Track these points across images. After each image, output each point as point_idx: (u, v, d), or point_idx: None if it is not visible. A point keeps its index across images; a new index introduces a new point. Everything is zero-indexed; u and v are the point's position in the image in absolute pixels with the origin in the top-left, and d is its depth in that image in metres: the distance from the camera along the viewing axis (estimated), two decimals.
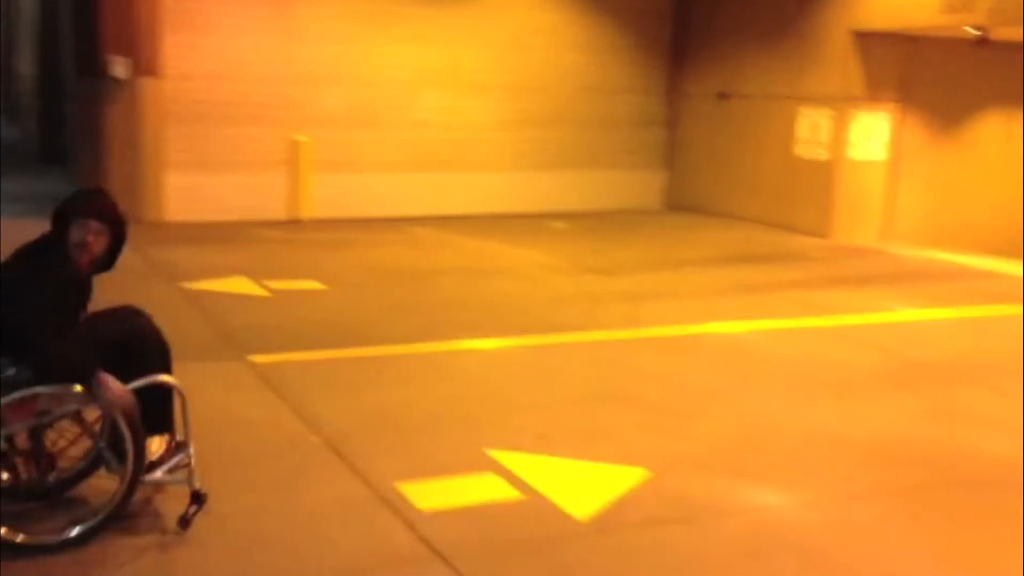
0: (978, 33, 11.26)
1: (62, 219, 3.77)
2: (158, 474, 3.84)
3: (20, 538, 3.57)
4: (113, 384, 3.58)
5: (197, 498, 3.81)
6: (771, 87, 13.62)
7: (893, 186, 13.14)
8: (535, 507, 4.18)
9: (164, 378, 3.85)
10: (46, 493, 3.88)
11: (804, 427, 5.41)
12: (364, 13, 12.75)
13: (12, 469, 3.77)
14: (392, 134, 13.12)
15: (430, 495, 4.23)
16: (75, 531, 3.64)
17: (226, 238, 10.74)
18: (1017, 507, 4.40)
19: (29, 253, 3.74)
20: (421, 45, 13.12)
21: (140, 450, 3.66)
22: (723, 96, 14.25)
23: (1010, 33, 11.92)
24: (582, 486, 4.42)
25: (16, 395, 3.49)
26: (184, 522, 3.76)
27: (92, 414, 3.81)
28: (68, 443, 3.93)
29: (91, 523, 3.67)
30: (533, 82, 13.90)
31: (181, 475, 3.84)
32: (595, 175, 14.52)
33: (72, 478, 3.97)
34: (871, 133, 12.82)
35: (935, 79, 13.19)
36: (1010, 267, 11.45)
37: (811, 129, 13.12)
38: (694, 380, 6.26)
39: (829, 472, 4.79)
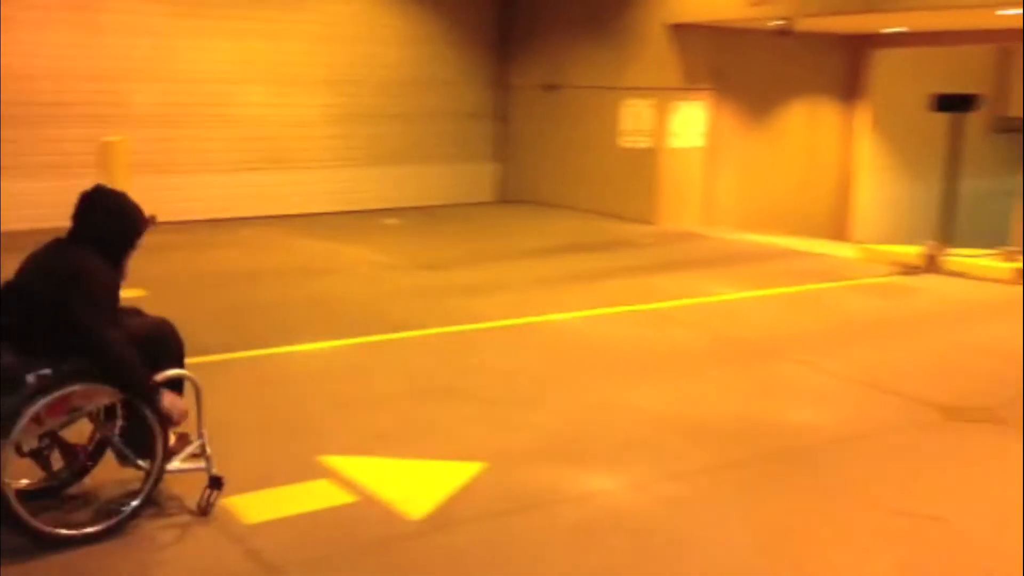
0: (781, 24, 11.84)
1: (133, 230, 3.99)
2: (176, 463, 4.03)
3: (64, 532, 3.72)
4: (168, 393, 3.90)
5: (216, 482, 4.02)
6: (596, 78, 13.93)
7: (711, 173, 13.71)
8: (368, 510, 4.11)
9: (184, 373, 4.08)
10: (58, 489, 4.07)
11: (636, 409, 5.55)
12: (179, 5, 12.21)
13: (47, 466, 3.98)
14: (213, 132, 12.63)
15: (257, 508, 4.08)
16: (112, 521, 3.82)
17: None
18: (827, 473, 4.67)
19: (70, 257, 3.82)
20: (242, 39, 12.69)
21: (166, 443, 3.90)
22: (550, 88, 14.47)
23: (812, 24, 12.64)
24: (417, 485, 4.38)
25: (57, 394, 3.63)
26: (206, 507, 3.99)
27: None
28: (88, 439, 4.08)
29: (126, 512, 3.85)
30: (359, 76, 13.70)
31: (197, 463, 4.04)
32: (426, 170, 14.47)
33: (79, 472, 4.11)
34: (690, 122, 13.32)
35: (745, 69, 13.85)
36: (817, 246, 12.17)
37: (635, 119, 13.50)
38: (530, 370, 6.31)
39: (659, 452, 4.92)
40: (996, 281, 9.70)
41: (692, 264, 10.52)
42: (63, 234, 3.93)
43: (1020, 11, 10.57)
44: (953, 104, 10.69)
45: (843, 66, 15.06)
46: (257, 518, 3.99)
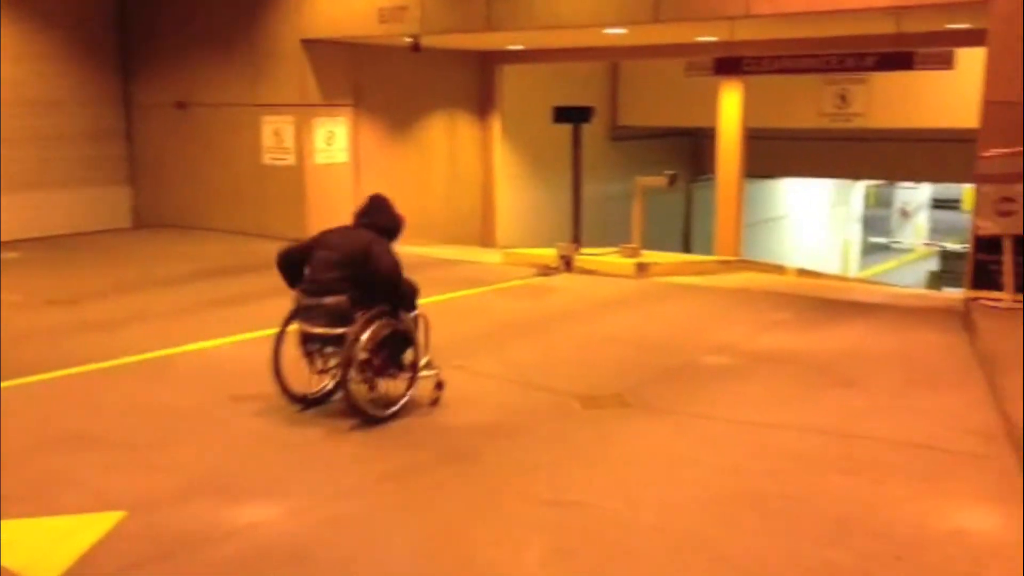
0: (411, 41, 12.17)
1: (401, 226, 6.09)
2: (423, 372, 5.80)
3: (376, 412, 5.49)
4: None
5: (440, 385, 5.92)
6: (231, 95, 13.48)
7: (359, 188, 13.77)
8: None
9: (422, 311, 5.93)
10: (330, 394, 5.73)
11: (291, 434, 5.39)
12: None
13: (369, 376, 5.54)
14: None
15: None
16: (394, 408, 5.58)
17: None
18: (485, 472, 4.82)
19: (365, 235, 5.74)
20: None
21: (419, 357, 5.75)
22: (181, 106, 13.78)
23: (441, 41, 13.11)
24: (48, 545, 3.93)
25: (377, 323, 5.45)
26: (435, 401, 5.86)
27: None
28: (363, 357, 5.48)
29: (400, 403, 5.61)
30: None
31: (429, 371, 5.84)
32: (48, 196, 13.20)
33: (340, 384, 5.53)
34: (332, 138, 13.29)
35: (385, 84, 14.08)
36: (465, 254, 12.66)
37: (276, 136, 13.23)
38: (174, 405, 5.92)
39: (319, 473, 4.81)
40: (621, 276, 10.62)
41: None
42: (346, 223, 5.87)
43: (623, 31, 11.68)
44: (570, 116, 11.58)
45: (475, 80, 15.79)
46: None
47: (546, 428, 5.56)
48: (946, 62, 11.41)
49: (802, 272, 14.18)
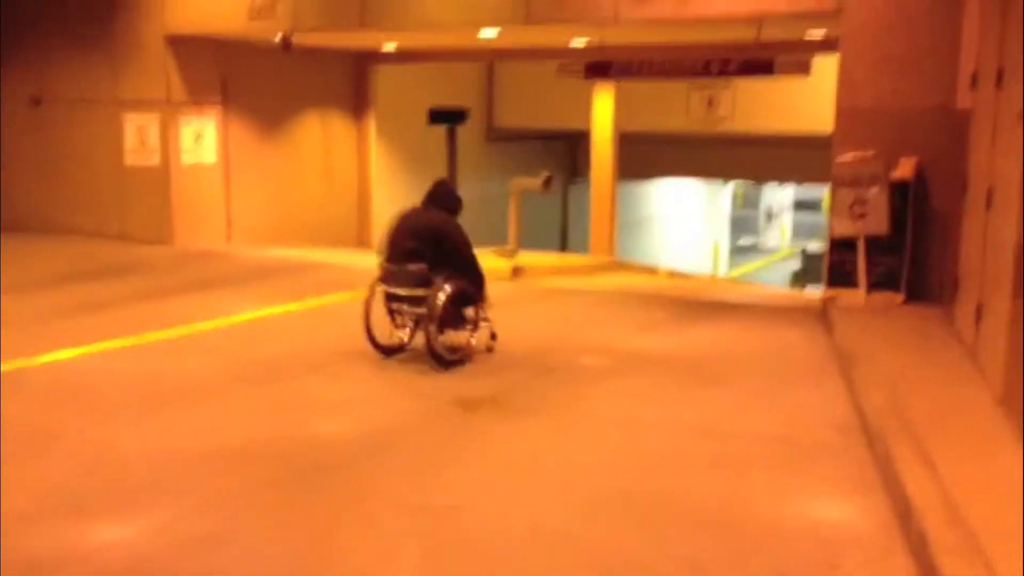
0: (283, 38, 11.92)
1: (458, 202, 7.20)
2: (481, 326, 7.11)
3: (450, 357, 6.82)
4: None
5: (494, 336, 7.21)
6: (91, 91, 12.93)
7: (229, 188, 13.41)
8: None
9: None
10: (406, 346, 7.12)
11: (152, 447, 5.18)
12: None
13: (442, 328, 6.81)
14: None
15: None
16: (458, 355, 6.91)
17: None
18: (358, 481, 4.74)
19: (439, 215, 7.01)
20: None
21: (479, 314, 7.11)
22: (36, 101, 13.12)
23: (313, 40, 12.89)
24: None
25: (456, 286, 6.79)
26: (491, 347, 7.18)
27: None
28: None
29: (464, 352, 6.97)
30: None
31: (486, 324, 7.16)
32: None
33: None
34: (200, 137, 12.88)
35: (256, 83, 13.75)
36: (340, 256, 12.47)
37: (139, 135, 12.75)
38: (17, 423, 5.57)
39: (181, 489, 4.64)
40: (497, 277, 10.65)
41: (212, 284, 10.18)
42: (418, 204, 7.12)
43: (496, 33, 11.73)
44: (445, 117, 11.57)
45: (349, 80, 15.59)
46: None
47: (421, 433, 5.52)
48: (804, 69, 11.90)
49: (673, 274, 14.55)
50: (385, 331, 7.04)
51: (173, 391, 6.29)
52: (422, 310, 6.73)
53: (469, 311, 7.05)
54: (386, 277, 6.99)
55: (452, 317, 6.90)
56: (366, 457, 5.09)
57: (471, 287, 6.98)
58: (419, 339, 6.93)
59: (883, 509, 4.25)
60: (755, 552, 3.93)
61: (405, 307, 6.92)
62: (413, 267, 6.75)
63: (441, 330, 6.77)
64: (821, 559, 3.85)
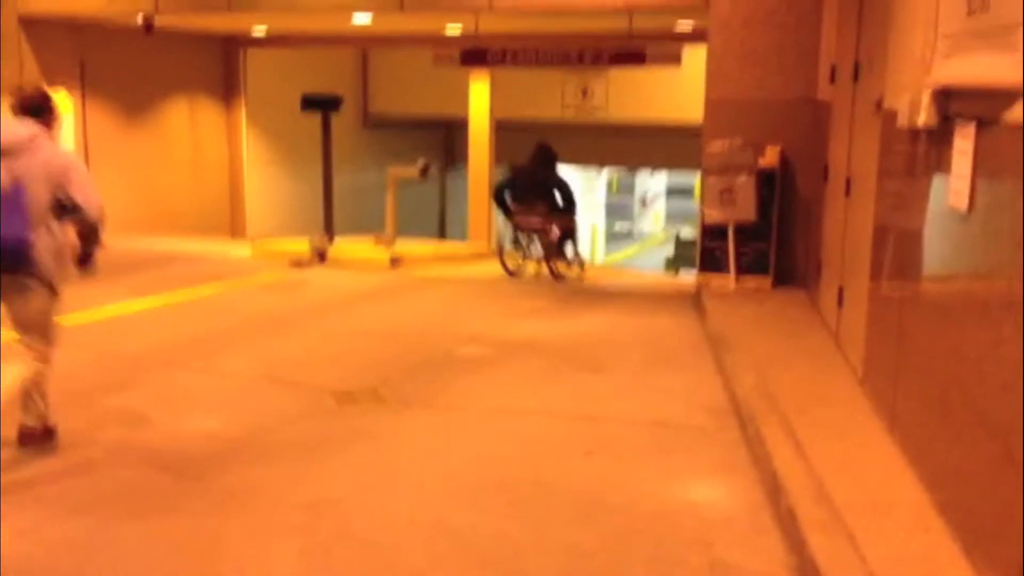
0: (144, 21, 11.47)
1: (557, 157, 10.70)
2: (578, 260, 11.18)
3: (563, 277, 10.80)
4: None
5: (583, 265, 11.30)
6: None
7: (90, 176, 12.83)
8: None
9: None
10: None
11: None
12: None
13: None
14: None
15: None
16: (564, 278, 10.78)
17: None
18: (231, 478, 4.62)
19: (550, 170, 10.67)
20: None
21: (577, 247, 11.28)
22: None
23: (179, 22, 12.45)
24: None
25: (570, 218, 10.72)
26: (581, 276, 11.03)
27: None
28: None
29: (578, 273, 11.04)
30: None
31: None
32: None
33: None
34: None
35: (116, 67, 13.19)
36: (212, 246, 12.12)
37: None
38: None
39: (47, 493, 4.41)
40: (375, 267, 10.56)
41: (70, 279, 9.71)
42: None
43: (369, 19, 11.57)
44: (319, 104, 11.35)
45: (218, 65, 15.14)
46: None
47: (298, 427, 5.42)
48: (675, 59, 12.18)
49: None
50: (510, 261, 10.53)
51: None
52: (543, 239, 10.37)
53: (569, 247, 10.72)
54: (515, 215, 10.42)
55: (562, 249, 10.53)
56: (242, 454, 4.96)
57: (574, 225, 10.63)
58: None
59: (755, 488, 4.41)
60: (635, 534, 4.02)
61: (529, 238, 10.44)
62: (538, 207, 10.26)
63: (558, 252, 10.54)
64: (697, 538, 3.96)
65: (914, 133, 4.38)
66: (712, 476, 4.72)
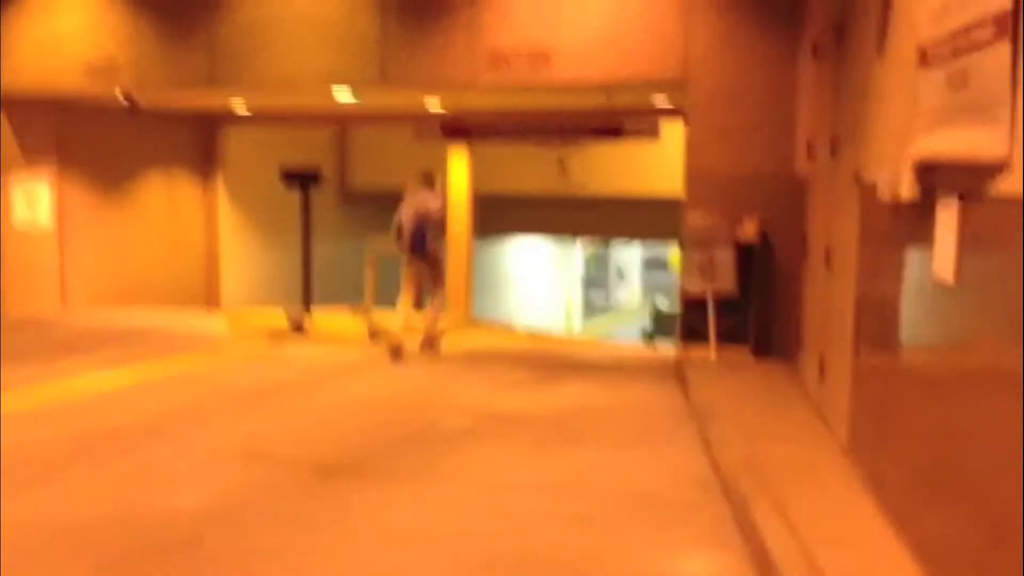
0: (127, 99, 11.53)
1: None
2: None
3: None
4: None
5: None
6: None
7: (66, 252, 12.76)
8: None
9: None
10: None
11: None
12: None
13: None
14: None
15: None
16: None
17: None
18: (209, 556, 4.49)
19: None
20: None
21: None
22: None
23: (160, 101, 12.52)
24: None
25: None
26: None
27: None
28: None
29: None
30: None
31: None
32: None
33: None
34: (33, 200, 12.24)
35: (95, 144, 13.20)
36: (188, 320, 11.99)
37: None
38: None
39: (31, 570, 4.26)
40: (354, 340, 10.48)
41: (47, 353, 9.59)
42: None
43: (352, 97, 11.69)
44: (299, 178, 11.40)
45: (197, 142, 15.20)
46: None
47: (277, 505, 5.29)
48: (654, 132, 12.38)
49: (532, 333, 14.68)
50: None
51: (8, 465, 5.83)
52: None
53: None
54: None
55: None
56: (217, 532, 4.83)
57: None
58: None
59: (744, 563, 4.34)
60: None
61: None
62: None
63: None
64: None
65: (895, 206, 4.43)
66: (700, 550, 4.64)
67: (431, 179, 10.21)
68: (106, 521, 4.93)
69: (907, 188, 4.05)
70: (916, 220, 4.12)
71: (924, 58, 3.99)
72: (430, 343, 9.87)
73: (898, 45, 4.73)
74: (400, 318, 9.83)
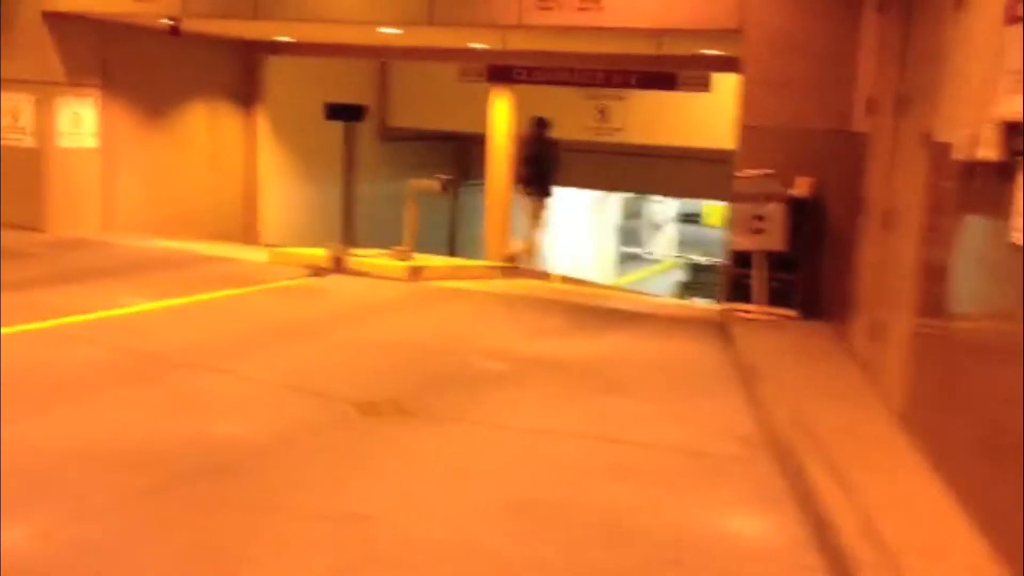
0: (171, 23, 11.43)
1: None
2: None
3: None
4: None
5: None
6: None
7: (109, 175, 12.77)
8: None
9: None
10: None
11: (32, 447, 4.82)
12: None
13: None
14: None
15: None
16: None
17: None
18: (255, 485, 4.51)
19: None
20: None
21: None
22: None
23: (202, 26, 12.41)
24: None
25: None
26: None
27: None
28: None
29: None
30: None
31: None
32: None
33: None
34: (78, 120, 12.23)
35: (138, 67, 13.13)
36: (228, 251, 12.02)
37: (13, 116, 12.01)
38: None
39: (65, 491, 4.31)
40: (394, 279, 10.46)
41: (93, 275, 9.64)
42: None
43: (398, 31, 11.53)
44: (343, 113, 11.28)
45: (239, 70, 15.08)
46: None
47: (321, 437, 5.31)
48: (704, 85, 12.13)
49: (566, 279, 14.60)
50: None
51: (54, 385, 5.89)
52: None
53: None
54: None
55: None
56: (266, 462, 4.85)
57: None
58: None
59: (795, 524, 4.29)
60: (671, 564, 3.90)
61: None
62: None
63: None
64: (737, 572, 3.85)
65: (969, 168, 4.29)
66: (747, 508, 4.60)
67: (546, 124, 12.37)
68: (139, 446, 4.95)
69: (989, 148, 3.91)
70: (991, 183, 3.98)
71: (1011, 15, 3.83)
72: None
73: (980, 1, 4.54)
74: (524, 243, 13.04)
